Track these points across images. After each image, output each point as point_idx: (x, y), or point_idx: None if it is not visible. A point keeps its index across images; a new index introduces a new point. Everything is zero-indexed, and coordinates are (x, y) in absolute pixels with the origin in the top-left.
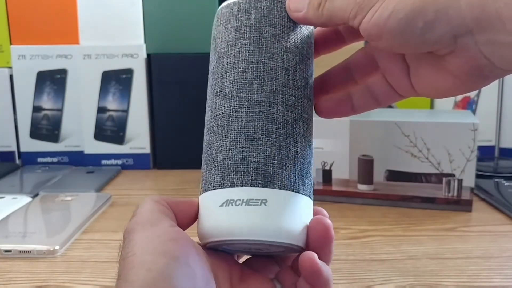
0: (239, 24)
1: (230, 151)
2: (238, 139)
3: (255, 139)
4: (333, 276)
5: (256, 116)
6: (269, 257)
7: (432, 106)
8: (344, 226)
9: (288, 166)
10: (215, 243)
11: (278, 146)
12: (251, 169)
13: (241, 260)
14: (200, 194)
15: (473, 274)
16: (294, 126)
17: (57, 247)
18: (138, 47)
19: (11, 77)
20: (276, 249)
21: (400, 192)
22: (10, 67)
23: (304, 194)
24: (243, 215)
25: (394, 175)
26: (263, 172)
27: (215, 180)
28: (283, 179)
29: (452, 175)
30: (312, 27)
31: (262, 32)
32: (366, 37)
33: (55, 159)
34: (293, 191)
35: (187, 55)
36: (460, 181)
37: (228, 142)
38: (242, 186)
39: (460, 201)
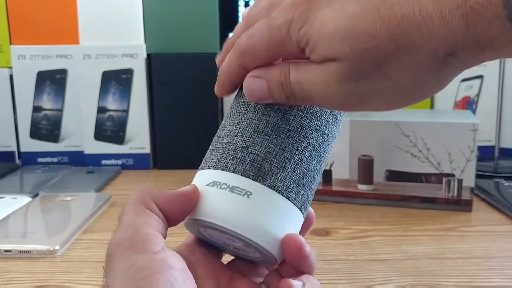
0: None
1: (236, 137)
2: (248, 128)
3: (263, 133)
4: (333, 276)
5: (273, 112)
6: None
7: (432, 106)
8: (344, 226)
9: (287, 170)
10: (190, 222)
11: (284, 147)
12: (248, 159)
13: (230, 264)
14: (198, 171)
15: (473, 274)
16: (308, 134)
17: (57, 247)
18: (138, 47)
19: (11, 77)
20: (252, 253)
21: (400, 192)
22: (10, 67)
23: (294, 204)
24: (223, 199)
25: (394, 175)
26: (258, 165)
27: (212, 160)
28: (276, 180)
29: (452, 175)
30: None
31: None
32: None
33: (55, 159)
34: (282, 195)
35: (187, 55)
36: (460, 181)
37: (238, 128)
38: (233, 172)
39: (460, 201)
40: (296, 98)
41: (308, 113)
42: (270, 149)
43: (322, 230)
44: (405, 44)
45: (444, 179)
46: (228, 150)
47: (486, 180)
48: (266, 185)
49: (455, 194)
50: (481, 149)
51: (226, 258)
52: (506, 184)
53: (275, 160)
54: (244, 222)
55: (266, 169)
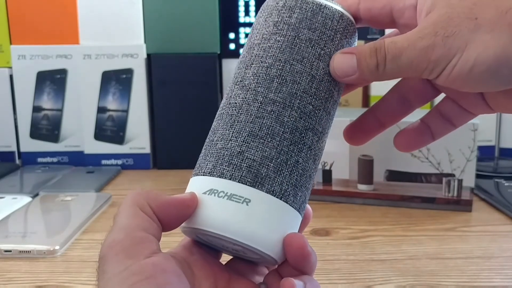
0: (279, 19)
1: (230, 142)
2: (242, 132)
3: (258, 137)
4: (333, 276)
5: (267, 114)
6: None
7: (432, 106)
8: (344, 226)
9: (284, 173)
10: (189, 230)
11: (280, 150)
12: (244, 165)
13: (229, 264)
14: (191, 177)
15: (473, 274)
16: (303, 135)
17: (57, 247)
18: (138, 47)
19: (11, 77)
20: (252, 254)
21: (400, 192)
22: (10, 67)
23: (293, 207)
24: (222, 208)
25: (394, 175)
26: (255, 171)
27: (207, 166)
28: (274, 184)
29: (452, 175)
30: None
31: (299, 33)
32: (444, 85)
33: (55, 159)
34: (281, 199)
35: (187, 55)
36: (460, 181)
37: (231, 132)
38: (230, 179)
39: (460, 201)
40: (386, 60)
41: (302, 113)
42: (266, 153)
43: (322, 230)
44: None
45: (444, 179)
46: (223, 155)
47: (486, 180)
48: (264, 190)
49: (455, 194)
50: (481, 149)
51: (225, 257)
52: (506, 184)
53: (272, 164)
54: (246, 230)
55: (263, 174)
